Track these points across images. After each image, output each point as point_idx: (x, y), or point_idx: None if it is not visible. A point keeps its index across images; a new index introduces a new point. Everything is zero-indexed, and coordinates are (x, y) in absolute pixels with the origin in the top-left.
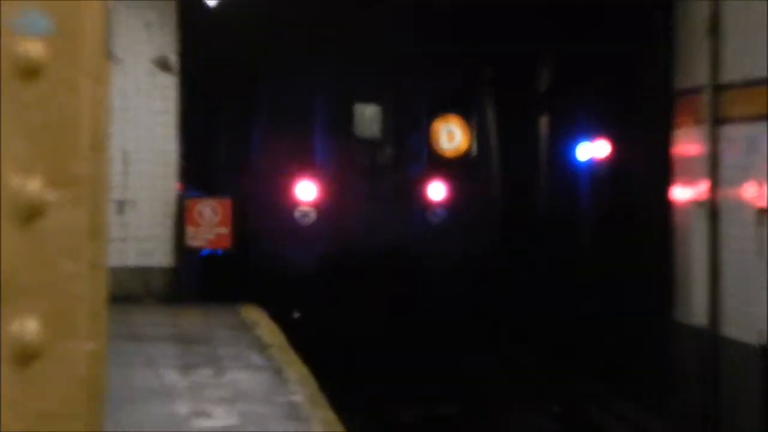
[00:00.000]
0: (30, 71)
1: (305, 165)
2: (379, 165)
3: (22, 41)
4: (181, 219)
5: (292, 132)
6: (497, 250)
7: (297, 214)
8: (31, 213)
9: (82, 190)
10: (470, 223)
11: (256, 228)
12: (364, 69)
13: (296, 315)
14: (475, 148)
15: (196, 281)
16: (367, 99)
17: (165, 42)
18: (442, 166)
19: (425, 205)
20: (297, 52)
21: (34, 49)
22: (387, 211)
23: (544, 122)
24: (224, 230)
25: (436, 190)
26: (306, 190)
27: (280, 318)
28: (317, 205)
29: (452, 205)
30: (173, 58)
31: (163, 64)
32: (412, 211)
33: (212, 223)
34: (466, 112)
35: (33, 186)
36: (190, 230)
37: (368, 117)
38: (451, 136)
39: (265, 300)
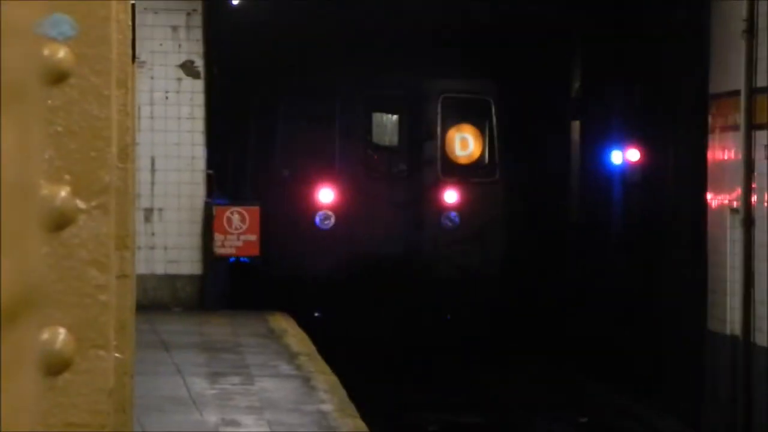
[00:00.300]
0: (55, 76)
1: (325, 171)
2: (395, 171)
3: (48, 45)
4: (209, 226)
5: (312, 139)
6: (508, 254)
7: (317, 218)
8: (59, 222)
9: (109, 198)
10: (483, 227)
11: (279, 231)
12: (382, 80)
13: (316, 315)
14: (487, 156)
15: (224, 289)
16: (384, 108)
17: (192, 47)
18: (455, 172)
19: (439, 209)
20: (318, 62)
21: (59, 53)
22: (403, 215)
23: (576, 127)
24: (252, 237)
25: (450, 196)
26: (326, 196)
27: (302, 319)
28: (336, 210)
29: (465, 210)
30: (200, 63)
31: (189, 70)
32: (427, 215)
33: (240, 230)
34: (479, 121)
35: (61, 194)
36: (218, 238)
37: (386, 125)
38: (465, 143)
39: (287, 302)
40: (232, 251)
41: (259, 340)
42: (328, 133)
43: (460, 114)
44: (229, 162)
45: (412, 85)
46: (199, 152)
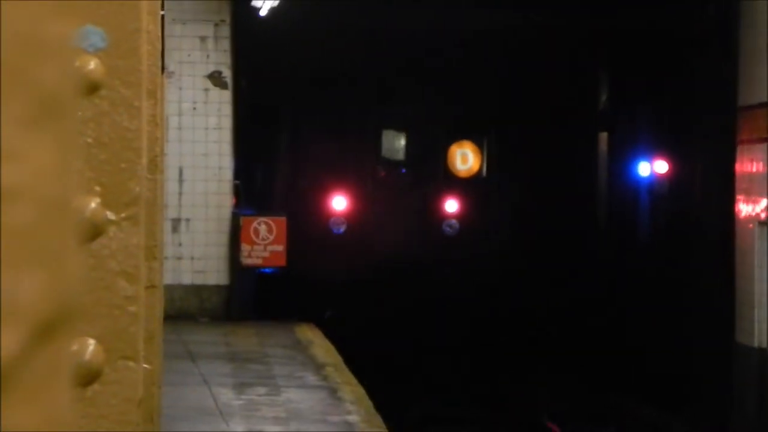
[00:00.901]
0: (87, 88)
1: (339, 182)
2: (401, 183)
3: (79, 57)
4: (236, 237)
5: (328, 153)
6: (505, 259)
7: (331, 224)
8: (89, 233)
9: (139, 209)
10: (481, 234)
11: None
12: (390, 101)
13: (328, 314)
14: (485, 170)
15: (251, 299)
16: (392, 127)
17: (220, 57)
18: (456, 184)
19: (441, 218)
20: (333, 85)
21: (90, 65)
22: (408, 222)
23: (604, 139)
24: (279, 248)
25: (451, 206)
26: (339, 203)
27: (316, 319)
28: (348, 216)
29: (465, 219)
30: (228, 74)
31: (217, 80)
32: (430, 223)
33: (267, 240)
34: (478, 139)
35: (91, 206)
36: (244, 248)
37: (393, 142)
38: (465, 159)
39: (304, 301)
40: (259, 261)
41: (285, 350)
42: (341, 147)
43: (461, 132)
44: (257, 172)
45: (418, 107)
46: (227, 162)
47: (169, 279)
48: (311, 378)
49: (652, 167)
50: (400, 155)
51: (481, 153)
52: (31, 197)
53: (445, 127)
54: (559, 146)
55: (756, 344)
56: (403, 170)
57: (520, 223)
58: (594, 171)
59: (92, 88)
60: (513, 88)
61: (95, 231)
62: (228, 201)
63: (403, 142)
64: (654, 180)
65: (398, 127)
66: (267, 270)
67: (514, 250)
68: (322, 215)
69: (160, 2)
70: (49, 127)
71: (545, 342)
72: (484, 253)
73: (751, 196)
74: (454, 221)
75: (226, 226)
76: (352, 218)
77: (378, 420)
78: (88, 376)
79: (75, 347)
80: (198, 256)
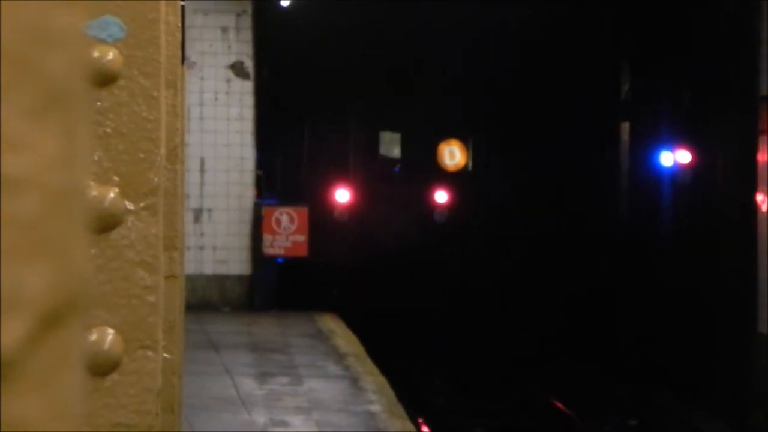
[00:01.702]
0: (104, 78)
1: (342, 176)
2: (397, 176)
3: (96, 47)
4: (258, 227)
5: (332, 150)
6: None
7: (336, 213)
8: (108, 223)
9: (158, 199)
10: (467, 222)
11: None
12: (387, 104)
13: (335, 293)
14: (471, 164)
15: (273, 289)
16: (389, 127)
17: (241, 48)
18: (445, 178)
19: (432, 207)
20: (336, 89)
21: (108, 55)
22: (403, 211)
23: (625, 129)
24: (301, 238)
25: (441, 196)
26: (342, 195)
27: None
28: (351, 207)
29: (453, 208)
30: (249, 64)
31: (239, 70)
32: (423, 211)
33: (289, 231)
34: (464, 137)
35: (110, 196)
36: (266, 238)
37: (390, 141)
38: (452, 155)
39: (322, 289)
40: (281, 252)
41: (307, 340)
42: (344, 145)
43: (449, 131)
44: (278, 163)
45: (411, 109)
46: (248, 153)
47: (191, 269)
48: (333, 368)
49: (675, 157)
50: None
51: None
52: (39, 188)
53: (435, 126)
54: (578, 137)
55: None
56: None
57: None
58: (615, 162)
59: (110, 78)
60: (519, 81)
61: (114, 221)
62: (250, 191)
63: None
64: (677, 170)
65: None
66: (279, 260)
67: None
68: (329, 206)
69: None
70: (58, 118)
71: (556, 330)
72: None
73: None
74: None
75: (247, 216)
76: (353, 209)
77: (400, 409)
78: (107, 366)
79: (93, 337)
80: (220, 246)
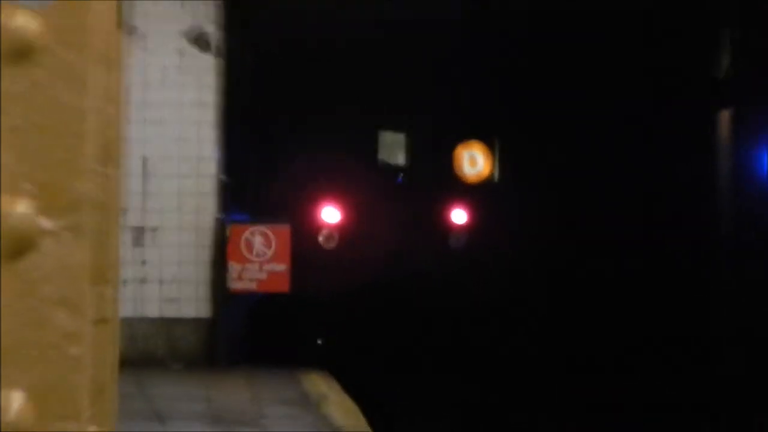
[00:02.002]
0: (13, 52)
1: (330, 190)
2: (401, 190)
3: (5, 10)
4: (222, 252)
5: (317, 156)
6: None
7: (321, 237)
8: (15, 247)
9: (84, 215)
10: (493, 248)
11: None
12: (387, 96)
13: (319, 341)
14: (497, 174)
15: (242, 338)
16: (390, 126)
17: (200, 9)
18: (464, 191)
19: (447, 229)
20: (323, 78)
21: (16, 20)
22: (408, 235)
23: (725, 118)
24: (281, 267)
25: (459, 216)
26: (330, 214)
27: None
28: (340, 229)
29: (474, 231)
30: (212, 30)
31: (198, 40)
32: (434, 235)
33: (264, 257)
34: (489, 138)
35: (19, 210)
36: (233, 268)
37: (391, 143)
38: (474, 161)
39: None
40: (253, 286)
41: (288, 408)
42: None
43: (468, 130)
44: (251, 166)
45: (419, 103)
46: (209, 151)
47: (129, 310)
48: None
49: None
50: None
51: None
52: None
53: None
54: (654, 134)
55: None
56: None
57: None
58: (709, 165)
59: (21, 51)
60: (564, 58)
61: (24, 244)
62: (210, 204)
63: None
64: None
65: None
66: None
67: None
68: (311, 227)
69: None
70: None
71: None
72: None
73: None
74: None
75: (207, 237)
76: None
77: None
78: None
79: None
80: (169, 278)
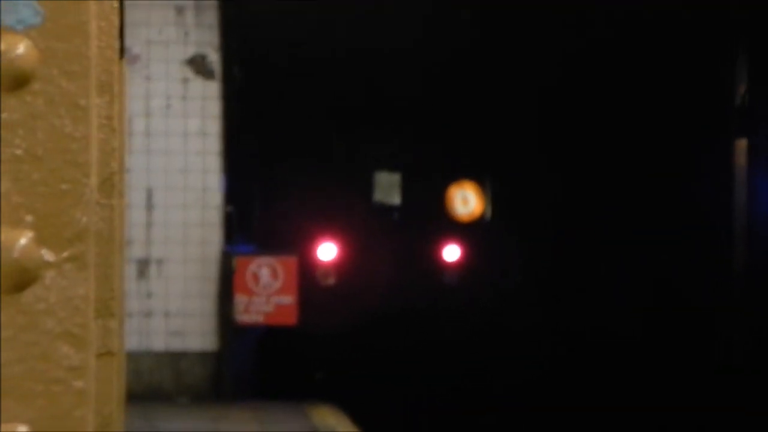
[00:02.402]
0: (13, 80)
1: (327, 227)
2: (396, 228)
3: (3, 37)
4: (228, 285)
5: (315, 196)
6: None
7: (318, 274)
8: (17, 281)
9: (87, 247)
10: (485, 285)
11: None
12: (382, 138)
13: (318, 376)
14: (489, 213)
15: (249, 371)
16: (385, 166)
17: (203, 35)
18: (456, 229)
19: (440, 267)
20: (317, 118)
21: (17, 48)
22: (403, 272)
23: (742, 148)
24: (288, 300)
25: (451, 253)
26: (327, 251)
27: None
28: (337, 266)
29: (467, 268)
30: (215, 58)
31: (200, 67)
32: (428, 272)
33: (271, 290)
34: (481, 178)
35: (20, 242)
36: (240, 300)
37: (387, 183)
38: (466, 201)
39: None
40: (260, 319)
41: None
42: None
43: (461, 170)
44: (256, 196)
45: (413, 144)
46: (213, 182)
47: (134, 344)
48: None
49: None
50: None
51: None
52: None
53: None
54: (664, 166)
55: None
56: None
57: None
58: (725, 198)
59: (21, 80)
60: (563, 91)
61: (26, 277)
62: (216, 235)
63: None
64: None
65: None
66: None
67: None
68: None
69: None
70: None
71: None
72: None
73: None
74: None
75: (213, 270)
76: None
77: None
78: None
79: None
80: (174, 311)
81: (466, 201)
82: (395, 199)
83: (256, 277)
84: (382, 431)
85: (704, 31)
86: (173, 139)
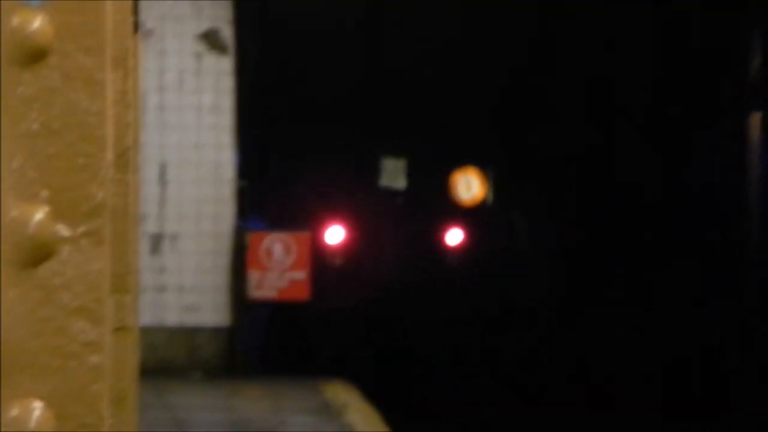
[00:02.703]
0: (29, 55)
1: (335, 211)
2: (402, 213)
3: (17, 12)
4: (241, 260)
5: (324, 179)
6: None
7: (326, 255)
8: (33, 256)
9: (103, 222)
10: (486, 268)
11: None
12: (389, 125)
13: (325, 354)
14: (491, 198)
15: (262, 347)
16: (392, 152)
17: (217, 10)
18: (459, 214)
19: (443, 250)
20: (329, 109)
21: (33, 23)
22: (408, 255)
23: (756, 122)
24: (301, 275)
25: (454, 237)
26: (335, 235)
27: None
28: (345, 249)
29: (469, 251)
30: (229, 33)
31: (214, 42)
32: (431, 255)
33: (285, 265)
34: (483, 164)
35: (36, 217)
36: (253, 276)
37: (393, 169)
38: (468, 186)
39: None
40: (273, 294)
41: (309, 417)
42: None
43: (464, 157)
44: (270, 171)
45: (418, 131)
46: (227, 157)
47: (147, 318)
48: None
49: None
50: None
51: None
52: None
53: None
54: (670, 144)
55: None
56: None
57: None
58: (738, 177)
59: (37, 54)
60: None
61: (42, 252)
62: (229, 210)
63: None
64: None
65: None
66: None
67: None
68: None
69: None
70: None
71: None
72: None
73: None
74: None
75: (226, 245)
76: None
77: None
78: None
79: (13, 412)
80: (188, 286)
81: (469, 186)
82: (401, 183)
83: (269, 253)
84: (392, 406)
85: (718, 4)
86: (186, 114)
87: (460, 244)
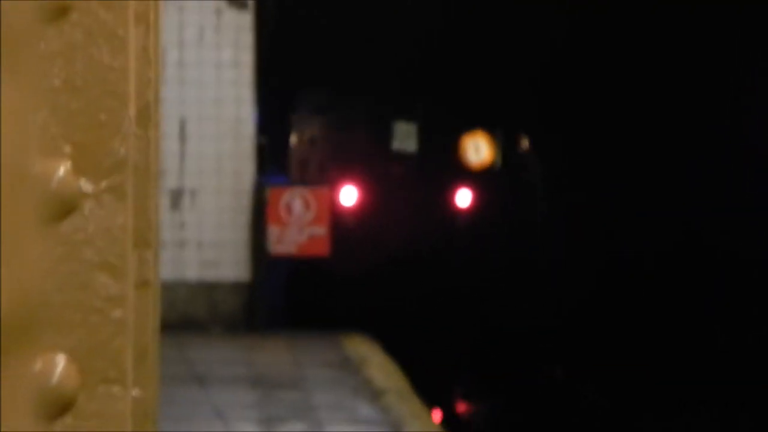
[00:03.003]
0: (51, 11)
1: (349, 172)
2: (413, 174)
3: None
4: (261, 216)
5: (339, 142)
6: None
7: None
8: (56, 211)
9: (125, 178)
10: (495, 228)
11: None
12: (401, 91)
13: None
14: (499, 161)
15: (282, 301)
16: (404, 117)
17: None
18: (468, 176)
19: (453, 211)
20: (346, 74)
21: None
22: (419, 215)
23: None
24: (321, 230)
25: (463, 198)
26: (349, 195)
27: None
28: (358, 209)
29: (478, 212)
30: None
31: None
32: (442, 215)
33: (304, 221)
34: (492, 128)
35: (59, 173)
36: (273, 231)
37: (405, 132)
38: (477, 150)
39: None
40: (293, 249)
41: (329, 371)
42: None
43: (473, 121)
44: (291, 127)
45: (429, 96)
46: (247, 113)
47: (168, 273)
48: (366, 410)
49: None
50: None
51: None
52: None
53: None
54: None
55: None
56: None
57: None
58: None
59: (59, 11)
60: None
61: (65, 207)
62: (249, 166)
63: None
64: None
65: None
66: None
67: None
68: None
69: None
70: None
71: None
72: None
73: None
74: None
75: (246, 200)
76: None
77: None
78: (57, 406)
79: (38, 366)
80: (208, 242)
81: (478, 150)
82: (412, 147)
83: (289, 208)
84: (410, 360)
85: None
86: (206, 69)
87: (469, 206)
